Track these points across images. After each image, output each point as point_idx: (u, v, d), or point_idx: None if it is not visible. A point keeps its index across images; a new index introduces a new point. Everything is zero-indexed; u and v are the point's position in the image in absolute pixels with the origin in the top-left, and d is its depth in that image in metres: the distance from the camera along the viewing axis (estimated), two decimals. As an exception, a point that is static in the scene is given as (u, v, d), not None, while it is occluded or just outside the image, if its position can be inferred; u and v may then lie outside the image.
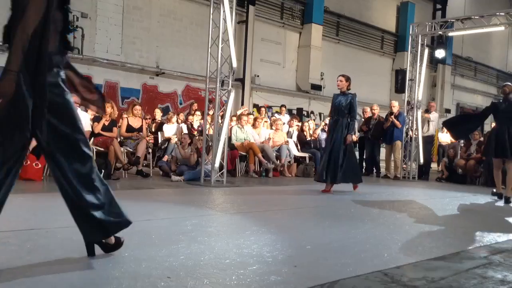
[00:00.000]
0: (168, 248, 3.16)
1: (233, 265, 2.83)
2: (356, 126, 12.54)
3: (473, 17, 11.67)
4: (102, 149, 7.63)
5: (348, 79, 7.27)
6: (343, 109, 7.10)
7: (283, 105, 14.17)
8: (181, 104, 14.53)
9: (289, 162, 10.48)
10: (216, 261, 2.92)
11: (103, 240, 2.82)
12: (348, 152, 7.18)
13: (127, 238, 3.39)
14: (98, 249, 2.97)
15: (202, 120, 9.71)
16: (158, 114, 10.85)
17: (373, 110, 11.69)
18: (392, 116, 11.09)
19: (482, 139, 11.70)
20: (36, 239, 3.27)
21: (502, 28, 11.75)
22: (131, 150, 8.21)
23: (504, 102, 7.35)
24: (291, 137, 11.15)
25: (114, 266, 2.67)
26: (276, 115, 13.69)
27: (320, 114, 18.11)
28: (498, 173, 7.52)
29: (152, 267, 2.69)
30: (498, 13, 11.29)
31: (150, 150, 8.98)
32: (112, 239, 2.85)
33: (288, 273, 2.76)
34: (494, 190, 7.74)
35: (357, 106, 7.21)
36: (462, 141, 14.95)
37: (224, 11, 7.68)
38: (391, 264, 3.07)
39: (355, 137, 11.79)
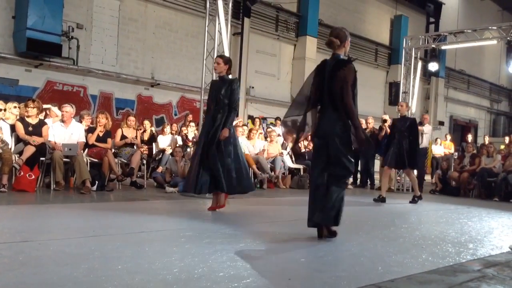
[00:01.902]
0: (162, 260, 3.15)
1: (227, 278, 2.82)
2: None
3: (466, 30, 11.82)
4: (96, 160, 7.61)
5: (227, 61, 5.85)
6: (222, 98, 5.70)
7: (278, 118, 14.20)
8: (176, 115, 14.53)
9: (284, 173, 10.48)
10: (210, 274, 2.90)
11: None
12: (224, 151, 5.65)
13: (120, 251, 3.37)
14: (93, 263, 2.96)
15: (197, 131, 9.71)
16: (147, 125, 10.78)
17: (368, 124, 11.74)
18: (386, 125, 11.14)
19: (475, 151, 11.78)
20: (29, 251, 3.25)
21: (494, 42, 11.90)
22: (125, 161, 8.18)
23: (399, 120, 8.60)
24: (285, 149, 11.16)
25: (108, 279, 2.65)
26: (271, 126, 13.72)
27: (314, 125, 18.15)
28: (386, 180, 8.72)
29: (145, 280, 2.68)
30: (490, 27, 11.45)
31: (145, 161, 8.96)
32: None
33: (282, 286, 2.75)
34: (380, 195, 8.36)
35: (239, 93, 5.88)
36: (455, 153, 15.02)
37: (219, 23, 7.74)
38: (385, 278, 3.06)
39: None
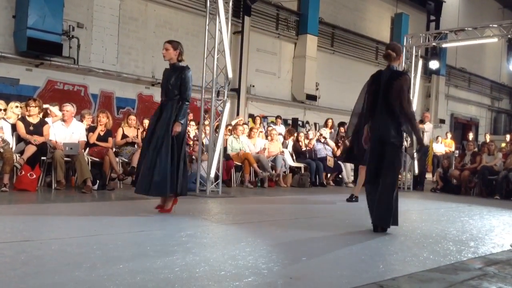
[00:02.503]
0: (163, 259, 3.15)
1: (228, 277, 2.82)
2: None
3: (466, 28, 11.79)
4: (97, 159, 7.61)
5: (177, 46, 5.35)
6: (171, 88, 5.21)
7: (278, 116, 14.19)
8: (176, 114, 14.51)
9: (285, 172, 10.48)
10: (211, 273, 2.91)
11: None
12: (176, 149, 5.10)
13: (121, 250, 3.38)
14: (95, 262, 2.96)
15: (197, 130, 9.72)
16: (147, 124, 10.76)
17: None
18: None
19: (476, 149, 11.77)
20: (30, 250, 3.25)
21: (495, 39, 11.88)
22: (126, 160, 8.19)
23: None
24: (286, 147, 11.16)
25: (109, 278, 2.66)
26: (272, 125, 13.70)
27: (315, 124, 18.15)
28: (363, 179, 7.07)
29: (147, 279, 2.68)
30: (491, 25, 11.42)
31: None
32: None
33: (283, 285, 2.75)
34: (353, 195, 7.77)
35: (191, 82, 5.26)
36: (456, 151, 15.01)
37: (220, 22, 7.73)
38: (387, 276, 3.07)
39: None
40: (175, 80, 5.18)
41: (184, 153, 5.21)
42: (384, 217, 4.62)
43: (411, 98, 11.57)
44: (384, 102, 4.64)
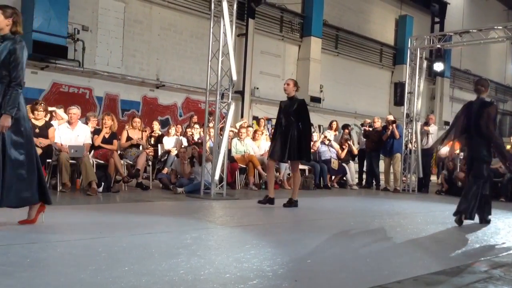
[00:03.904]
0: (168, 262, 3.15)
1: (233, 280, 2.82)
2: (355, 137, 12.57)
3: (471, 30, 11.76)
4: (102, 161, 7.63)
5: (10, 14, 4.02)
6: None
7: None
8: (181, 116, 14.55)
9: (289, 174, 10.47)
10: (216, 275, 2.91)
11: None
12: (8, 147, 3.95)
13: (126, 252, 3.39)
14: (100, 264, 2.97)
15: (202, 132, 9.73)
16: (156, 126, 10.79)
17: (374, 123, 11.73)
18: (394, 125, 11.10)
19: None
20: (35, 253, 3.26)
21: (500, 41, 11.83)
22: (131, 162, 8.21)
23: (286, 102, 6.88)
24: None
25: (114, 281, 2.66)
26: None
27: (319, 126, 18.14)
28: (272, 176, 7.00)
29: (152, 282, 2.68)
30: (496, 27, 11.38)
31: (150, 163, 8.98)
32: None
33: (288, 288, 2.75)
34: (267, 196, 6.75)
35: (24, 58, 3.99)
36: (461, 153, 14.95)
37: (224, 25, 7.74)
38: (392, 279, 3.06)
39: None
40: (5, 57, 3.92)
41: (36, 155, 4.22)
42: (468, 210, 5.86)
43: (416, 100, 11.63)
44: (475, 126, 5.78)
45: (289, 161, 7.10)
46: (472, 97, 17.39)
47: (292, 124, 6.62)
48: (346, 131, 12.21)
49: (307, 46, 17.49)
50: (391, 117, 11.39)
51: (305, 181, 10.43)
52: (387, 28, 21.61)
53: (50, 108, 8.32)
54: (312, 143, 11.51)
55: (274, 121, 15.78)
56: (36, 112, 7.17)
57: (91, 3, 12.40)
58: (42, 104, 7.38)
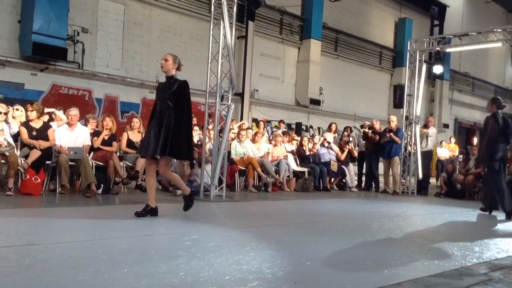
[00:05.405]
0: (168, 264, 3.15)
1: (232, 282, 2.82)
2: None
3: (470, 33, 11.78)
4: (101, 163, 7.63)
5: None
6: None
7: (281, 120, 14.18)
8: (180, 118, 14.54)
9: (288, 176, 10.47)
10: (215, 277, 2.91)
11: None
12: None
13: (126, 254, 3.38)
14: (100, 266, 2.97)
15: (201, 135, 9.73)
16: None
17: (374, 125, 11.73)
18: (391, 133, 11.12)
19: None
20: (35, 254, 3.26)
21: (499, 44, 11.85)
22: (130, 164, 8.20)
23: (164, 84, 5.52)
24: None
25: (114, 283, 2.66)
26: (275, 129, 13.68)
27: (319, 128, 18.14)
28: (151, 180, 5.51)
29: (151, 284, 2.68)
30: (495, 29, 11.39)
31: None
32: None
33: (288, 290, 2.75)
34: (147, 206, 5.34)
35: None
36: (460, 156, 14.96)
37: (224, 27, 7.75)
38: (391, 281, 3.06)
39: (355, 152, 11.81)
40: None
41: None
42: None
43: (416, 103, 11.63)
44: (503, 134, 7.42)
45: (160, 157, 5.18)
46: (471, 99, 17.62)
47: (168, 111, 5.18)
48: (346, 133, 12.22)
49: (306, 48, 17.50)
50: (394, 121, 11.33)
51: (304, 183, 10.44)
52: (387, 30, 21.63)
53: (49, 110, 8.30)
54: (311, 145, 11.49)
55: (273, 124, 15.91)
56: (28, 113, 7.08)
57: (91, 5, 12.40)
58: (34, 105, 7.23)
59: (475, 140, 15.03)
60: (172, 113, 5.18)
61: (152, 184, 5.48)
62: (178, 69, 5.47)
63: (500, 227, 6.43)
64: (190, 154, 5.63)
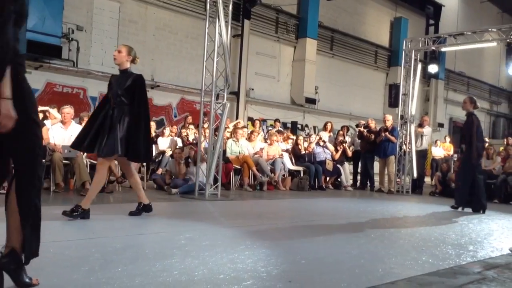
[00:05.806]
0: (162, 263, 3.14)
1: (227, 281, 2.82)
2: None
3: (465, 32, 11.83)
4: (96, 162, 7.58)
5: None
6: None
7: (277, 119, 14.20)
8: (175, 117, 14.53)
9: (284, 175, 10.48)
10: (210, 276, 2.90)
11: None
12: None
13: (120, 253, 3.37)
14: (93, 265, 2.95)
15: (197, 133, 9.72)
16: (152, 127, 10.74)
17: (369, 125, 11.74)
18: (387, 133, 11.14)
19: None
20: (29, 253, 3.23)
21: (494, 44, 11.90)
22: (125, 163, 8.16)
23: (117, 78, 5.13)
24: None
25: (108, 281, 2.65)
26: (271, 128, 13.69)
27: (314, 127, 18.17)
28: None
29: (145, 283, 2.67)
30: (490, 29, 11.44)
31: (144, 163, 8.94)
32: None
33: (282, 289, 2.74)
34: (143, 204, 5.26)
35: None
36: (455, 155, 15.02)
37: (219, 25, 7.74)
38: (386, 280, 3.06)
39: (350, 152, 11.83)
40: None
41: None
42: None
43: (411, 102, 11.67)
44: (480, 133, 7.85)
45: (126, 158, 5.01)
46: (466, 98, 16.88)
47: (123, 108, 4.82)
48: (341, 132, 12.23)
49: (302, 47, 17.52)
50: (389, 120, 11.35)
51: (299, 182, 10.44)
52: (382, 30, 21.68)
53: (43, 108, 8.26)
54: (307, 144, 11.50)
55: (269, 123, 15.91)
56: None
57: (86, 3, 12.36)
58: None
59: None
60: (127, 111, 4.81)
61: (133, 182, 5.23)
62: (133, 61, 5.15)
63: (494, 226, 6.46)
64: (148, 155, 5.29)
